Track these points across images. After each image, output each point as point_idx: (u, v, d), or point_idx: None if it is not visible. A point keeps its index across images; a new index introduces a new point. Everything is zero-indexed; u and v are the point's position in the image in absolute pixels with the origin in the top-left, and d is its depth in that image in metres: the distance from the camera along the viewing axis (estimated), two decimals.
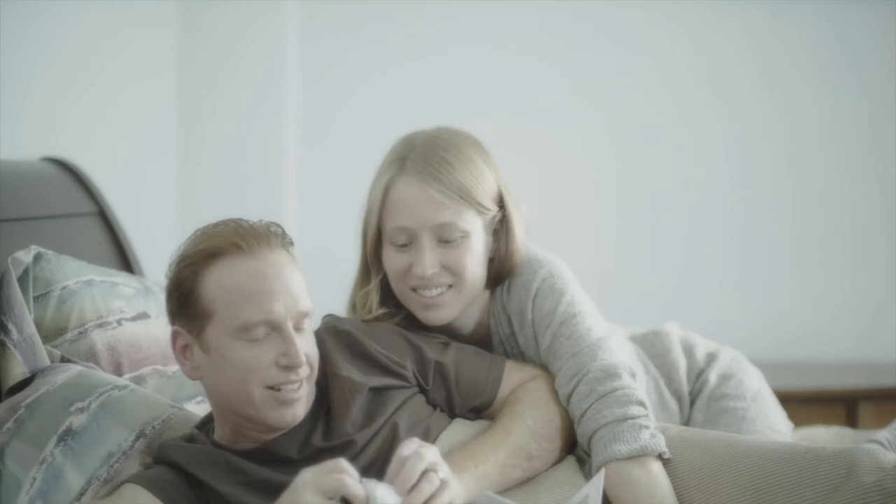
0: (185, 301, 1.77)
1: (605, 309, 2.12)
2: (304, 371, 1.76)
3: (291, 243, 1.83)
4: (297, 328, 1.77)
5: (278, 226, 1.82)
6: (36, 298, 2.15)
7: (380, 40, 3.78)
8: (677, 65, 3.77)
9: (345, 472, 1.59)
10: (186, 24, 3.66)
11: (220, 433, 1.84)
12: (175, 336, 1.80)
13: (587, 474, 1.87)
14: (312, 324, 1.87)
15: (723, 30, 3.75)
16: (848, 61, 3.72)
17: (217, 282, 1.74)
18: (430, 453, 1.65)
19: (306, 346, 1.77)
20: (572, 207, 3.77)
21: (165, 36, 3.62)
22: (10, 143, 2.67)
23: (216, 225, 1.80)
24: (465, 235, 1.95)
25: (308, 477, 1.59)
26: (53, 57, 2.97)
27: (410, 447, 1.65)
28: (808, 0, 3.70)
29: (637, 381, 1.97)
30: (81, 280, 2.21)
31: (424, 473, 1.62)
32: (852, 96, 3.73)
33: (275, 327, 1.74)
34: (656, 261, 3.78)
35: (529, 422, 1.89)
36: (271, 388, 1.75)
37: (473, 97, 3.71)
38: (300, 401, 1.77)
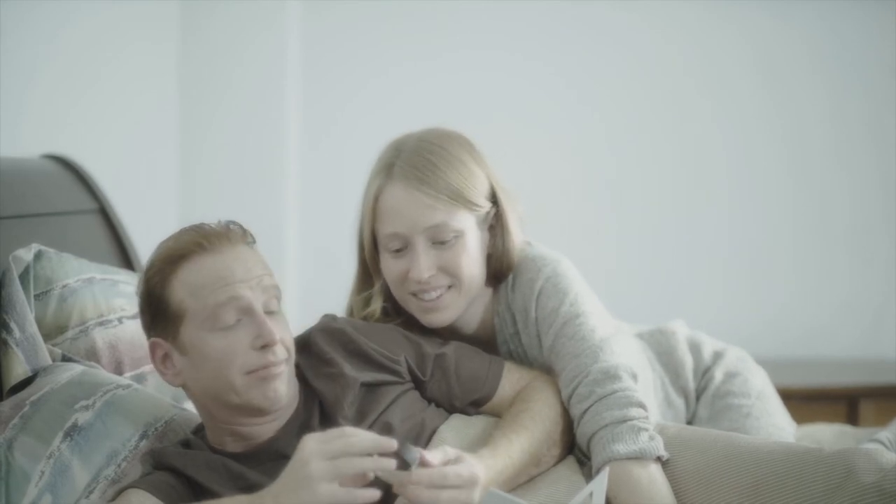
0: (157, 309, 1.79)
1: (609, 307, 2.12)
2: (280, 351, 1.77)
3: (253, 240, 1.85)
4: (268, 312, 1.78)
5: (237, 224, 1.84)
6: (37, 297, 2.14)
7: (381, 41, 3.78)
8: (677, 65, 3.77)
9: (349, 436, 1.59)
10: (187, 24, 3.66)
11: (213, 438, 1.84)
12: (154, 347, 1.82)
13: (586, 475, 1.87)
14: (308, 323, 1.87)
15: (723, 30, 3.75)
16: (848, 61, 3.72)
17: (184, 282, 1.77)
18: (455, 476, 1.66)
19: (280, 330, 1.78)
20: (575, 207, 3.77)
21: (166, 35, 3.62)
22: (11, 141, 2.67)
23: (178, 233, 1.83)
24: (459, 235, 1.95)
25: (312, 446, 1.59)
26: (54, 55, 2.97)
27: (445, 458, 1.68)
28: (808, 0, 3.70)
29: (642, 379, 1.96)
30: (82, 278, 2.21)
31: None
32: (852, 96, 3.73)
33: (245, 311, 1.76)
34: (658, 260, 3.78)
35: (546, 424, 1.89)
36: (251, 372, 1.75)
37: (474, 98, 3.71)
38: (281, 377, 1.77)
